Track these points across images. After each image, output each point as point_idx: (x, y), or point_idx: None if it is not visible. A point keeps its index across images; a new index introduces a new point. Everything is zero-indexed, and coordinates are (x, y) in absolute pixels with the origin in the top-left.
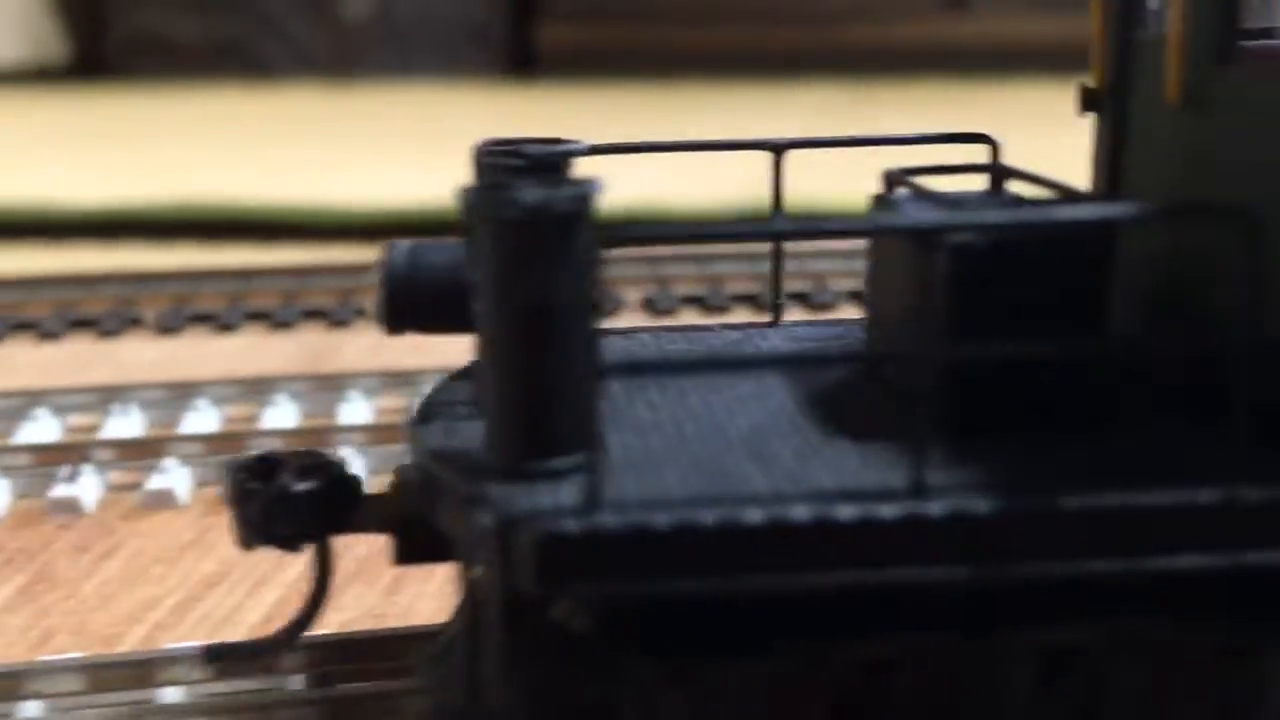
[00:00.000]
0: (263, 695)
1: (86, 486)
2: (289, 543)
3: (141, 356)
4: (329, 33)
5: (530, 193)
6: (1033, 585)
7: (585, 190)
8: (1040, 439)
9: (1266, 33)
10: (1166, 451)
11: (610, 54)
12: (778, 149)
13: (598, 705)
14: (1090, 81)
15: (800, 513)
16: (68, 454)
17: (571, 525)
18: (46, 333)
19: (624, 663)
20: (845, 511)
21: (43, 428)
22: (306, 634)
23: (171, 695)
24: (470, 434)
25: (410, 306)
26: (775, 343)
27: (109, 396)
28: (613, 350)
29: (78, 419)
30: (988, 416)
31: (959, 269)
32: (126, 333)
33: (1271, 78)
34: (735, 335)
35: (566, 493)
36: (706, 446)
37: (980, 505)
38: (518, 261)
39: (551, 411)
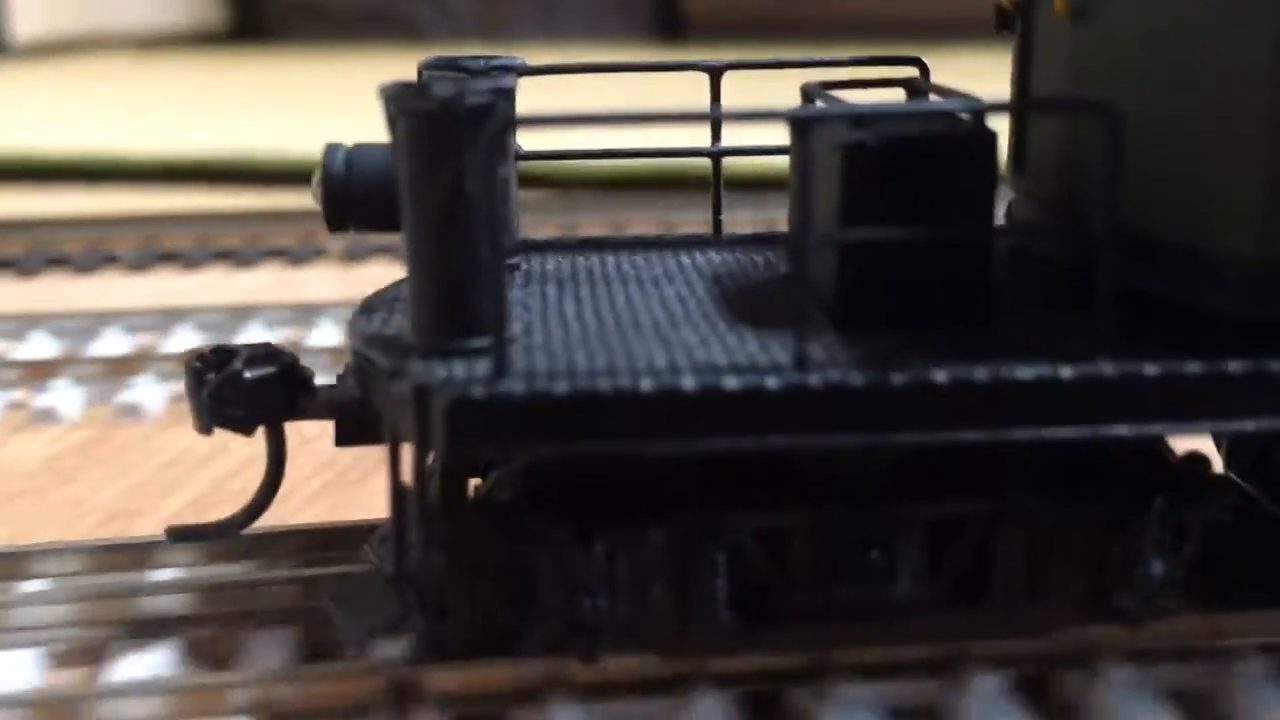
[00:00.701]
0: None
1: None
2: (241, 425)
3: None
4: None
5: (443, 86)
6: (922, 463)
7: (497, 85)
8: (925, 326)
9: None
10: (1040, 335)
11: (757, 22)
12: (714, 70)
13: (512, 564)
14: (1003, 1)
15: (689, 382)
16: None
17: (478, 391)
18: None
19: (539, 526)
20: (731, 382)
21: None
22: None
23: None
24: (402, 322)
25: (347, 205)
26: (711, 252)
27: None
28: (555, 261)
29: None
30: (877, 306)
31: (849, 166)
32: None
33: None
34: (677, 243)
35: (479, 366)
36: (619, 332)
37: (857, 378)
38: (430, 151)
39: (465, 293)
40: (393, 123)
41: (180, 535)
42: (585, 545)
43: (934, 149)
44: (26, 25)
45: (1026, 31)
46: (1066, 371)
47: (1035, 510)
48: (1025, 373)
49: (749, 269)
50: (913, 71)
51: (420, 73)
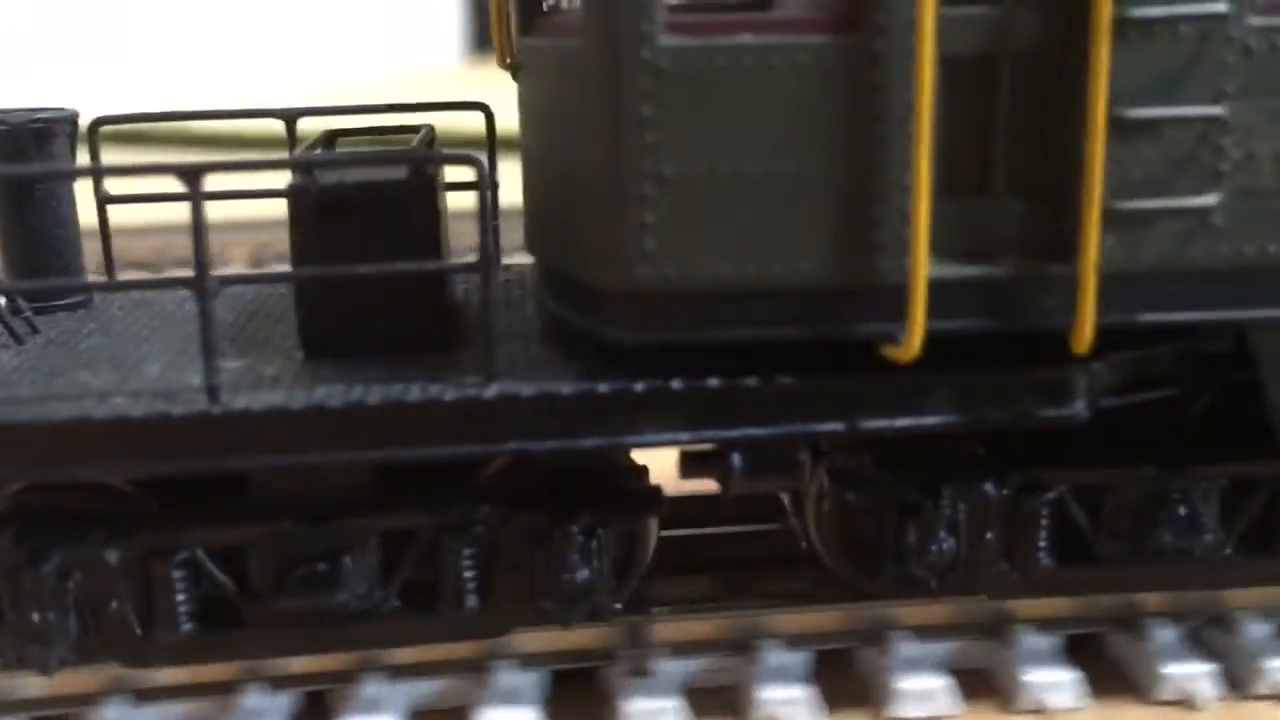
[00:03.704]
0: None
1: None
2: None
3: None
4: None
5: None
6: (382, 480)
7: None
8: (382, 354)
9: (555, 9)
10: (469, 364)
11: None
12: (289, 116)
13: None
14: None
15: (100, 410)
16: None
17: None
18: None
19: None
20: (139, 409)
21: None
22: None
23: None
24: None
25: None
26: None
27: None
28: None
29: None
30: (330, 336)
31: (293, 209)
32: None
33: (552, 42)
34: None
35: None
36: (90, 365)
37: (258, 404)
38: None
39: None
40: None
41: None
42: (36, 564)
43: (369, 194)
44: None
45: (520, 81)
46: (450, 394)
47: (479, 521)
48: (376, 398)
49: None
50: (476, 116)
51: None
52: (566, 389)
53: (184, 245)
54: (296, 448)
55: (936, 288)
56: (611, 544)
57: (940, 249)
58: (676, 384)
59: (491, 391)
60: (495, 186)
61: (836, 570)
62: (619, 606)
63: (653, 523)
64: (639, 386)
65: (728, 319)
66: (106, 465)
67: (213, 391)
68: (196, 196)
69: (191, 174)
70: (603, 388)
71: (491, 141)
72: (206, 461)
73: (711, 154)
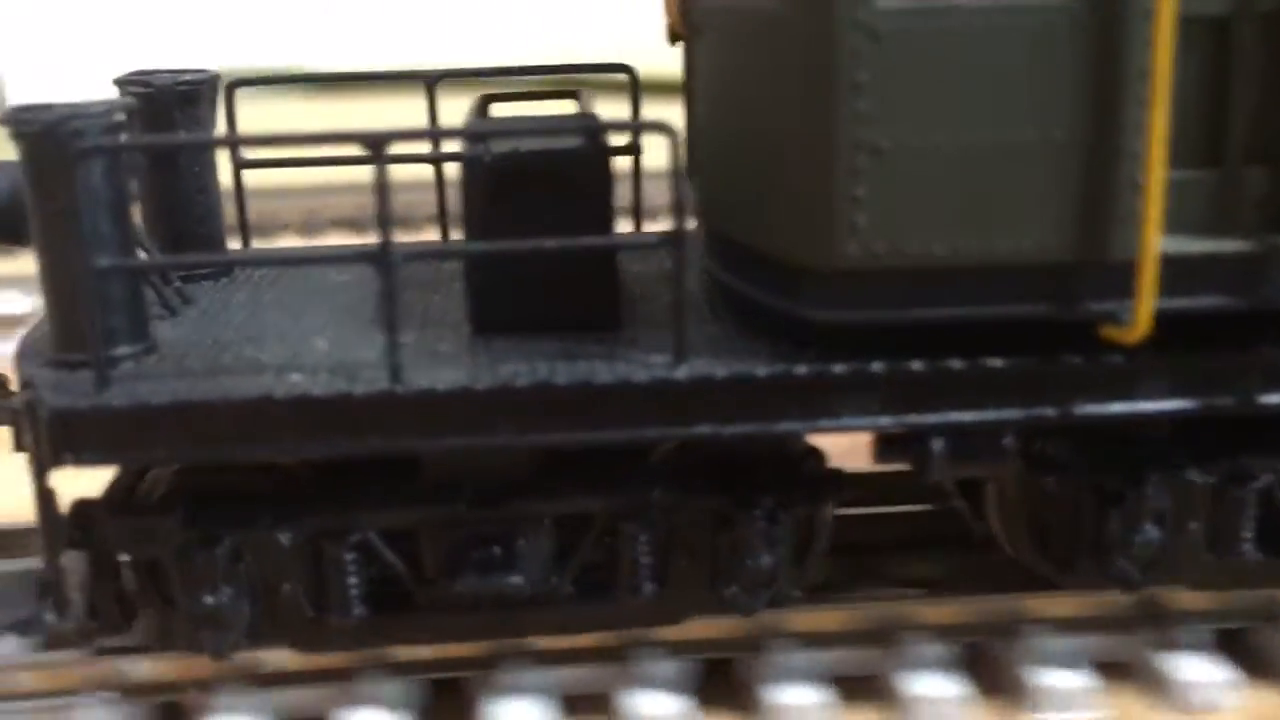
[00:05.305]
0: None
1: None
2: None
3: None
4: None
5: (52, 109)
6: (554, 463)
7: (113, 107)
8: (553, 332)
9: None
10: (654, 342)
11: None
12: (430, 80)
13: (145, 564)
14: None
15: (280, 388)
16: None
17: (81, 403)
18: None
19: (170, 529)
20: (320, 388)
21: None
22: None
23: None
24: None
25: (6, 222)
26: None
27: None
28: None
29: None
30: (504, 312)
31: (468, 180)
32: None
33: (744, 3)
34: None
35: (89, 378)
36: (261, 340)
37: (442, 383)
38: (39, 171)
39: (88, 307)
40: (15, 144)
41: None
42: (208, 546)
43: (547, 164)
44: None
45: (689, 48)
46: (641, 375)
47: (656, 506)
48: (605, 376)
49: (440, 277)
50: (620, 78)
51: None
52: (762, 370)
53: (292, 208)
54: (481, 429)
55: (1166, 263)
56: (791, 529)
57: (1170, 222)
58: (878, 366)
59: (683, 373)
60: (640, 152)
61: (1021, 559)
62: (798, 594)
63: (829, 507)
64: (838, 368)
65: (938, 298)
66: (288, 445)
67: (395, 370)
68: (382, 161)
69: (378, 142)
70: (801, 369)
71: (635, 105)
72: (388, 442)
73: (929, 122)
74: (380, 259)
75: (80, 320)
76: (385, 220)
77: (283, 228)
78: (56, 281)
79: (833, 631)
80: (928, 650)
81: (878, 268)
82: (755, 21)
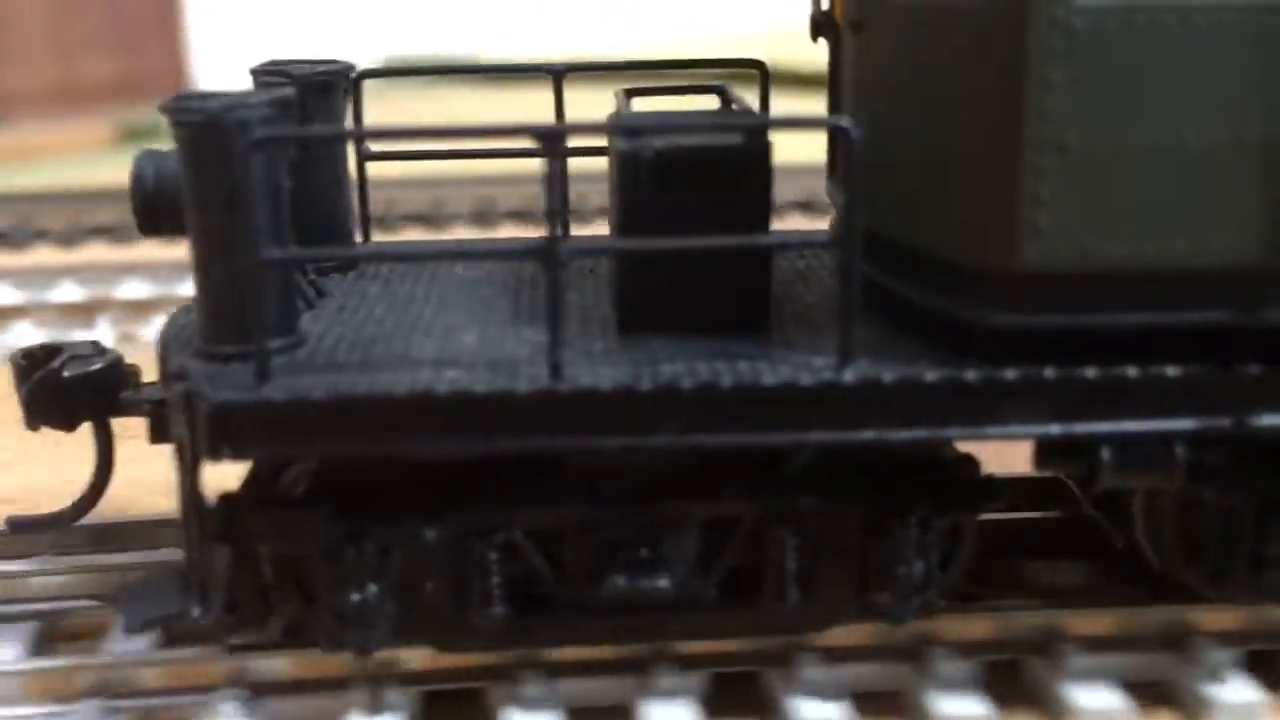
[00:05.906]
0: None
1: None
2: (61, 423)
3: None
4: None
5: (211, 101)
6: (700, 465)
7: (273, 97)
8: (704, 332)
9: None
10: (804, 344)
11: None
12: (557, 73)
13: (286, 559)
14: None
15: (440, 384)
16: None
17: (242, 396)
18: None
19: (317, 524)
20: (481, 384)
21: None
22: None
23: None
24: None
25: (156, 211)
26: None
27: None
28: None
29: None
30: (655, 311)
31: (622, 175)
32: None
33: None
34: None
35: (248, 371)
36: (409, 336)
37: (604, 382)
38: (199, 162)
39: (238, 299)
40: (174, 135)
41: (18, 526)
42: (356, 542)
43: (710, 160)
44: None
45: (835, 42)
46: (806, 379)
47: (804, 512)
48: (771, 379)
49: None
50: (752, 74)
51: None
52: (930, 375)
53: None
54: (643, 429)
55: None
56: (941, 536)
57: None
58: (1050, 372)
59: (849, 376)
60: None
61: (1168, 571)
62: (943, 603)
63: (977, 515)
64: (1009, 374)
65: (1118, 303)
66: (446, 441)
67: (556, 368)
68: (554, 154)
69: (552, 137)
70: (970, 374)
71: (765, 102)
72: (547, 440)
73: (1121, 122)
74: (547, 254)
75: (237, 312)
76: (554, 214)
77: (400, 219)
78: (212, 272)
79: (982, 640)
80: (1085, 661)
81: (1058, 272)
82: (938, 17)
